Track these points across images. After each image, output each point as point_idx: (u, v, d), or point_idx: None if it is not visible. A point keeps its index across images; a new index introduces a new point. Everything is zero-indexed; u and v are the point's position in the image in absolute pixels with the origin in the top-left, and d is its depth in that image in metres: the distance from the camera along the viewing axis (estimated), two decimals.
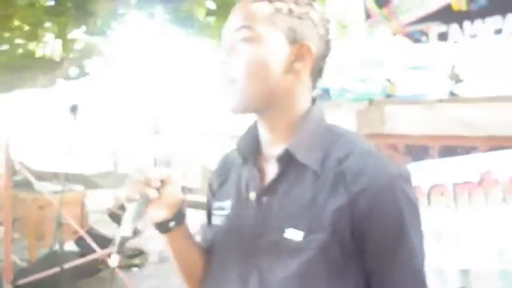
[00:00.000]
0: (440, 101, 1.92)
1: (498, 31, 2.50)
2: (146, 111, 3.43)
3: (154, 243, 4.63)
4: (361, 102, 2.03)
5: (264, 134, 1.03)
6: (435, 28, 2.76)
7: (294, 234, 0.91)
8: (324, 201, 0.91)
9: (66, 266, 3.58)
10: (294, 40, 0.96)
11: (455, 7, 2.65)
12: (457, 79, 1.93)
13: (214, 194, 1.13)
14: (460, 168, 1.86)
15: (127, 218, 0.90)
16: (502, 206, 1.80)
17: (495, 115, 1.82)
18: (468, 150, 1.92)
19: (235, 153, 1.07)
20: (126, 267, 4.46)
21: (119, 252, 0.92)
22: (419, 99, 1.95)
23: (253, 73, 0.95)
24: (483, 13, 2.57)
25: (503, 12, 2.51)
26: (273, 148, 1.01)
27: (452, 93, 1.96)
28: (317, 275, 0.90)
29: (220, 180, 1.12)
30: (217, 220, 1.07)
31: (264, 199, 0.98)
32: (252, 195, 1.00)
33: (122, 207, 5.03)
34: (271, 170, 1.00)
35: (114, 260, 0.93)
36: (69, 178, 4.58)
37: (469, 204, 1.85)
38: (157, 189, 0.93)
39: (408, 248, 0.91)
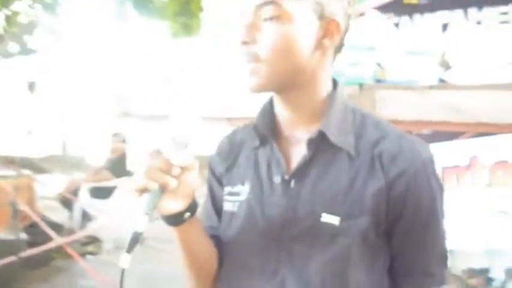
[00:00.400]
0: (430, 87, 1.97)
1: (445, 26, 2.60)
2: (109, 91, 3.26)
3: (109, 230, 4.47)
4: (351, 87, 2.03)
5: (284, 115, 0.97)
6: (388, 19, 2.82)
7: (329, 219, 0.89)
8: (363, 185, 0.89)
9: (20, 255, 3.36)
10: (322, 15, 0.92)
11: (406, 0, 2.72)
12: (446, 66, 1.98)
13: (219, 178, 1.06)
14: (450, 153, 1.93)
15: (138, 211, 0.81)
16: (488, 188, 1.89)
17: (483, 102, 1.90)
18: (455, 135, 1.99)
19: (245, 134, 1.02)
20: (80, 254, 4.26)
21: (130, 250, 0.82)
22: (409, 85, 1.99)
23: (282, 53, 0.89)
24: (431, 7, 2.66)
25: (450, 7, 2.61)
26: (295, 130, 0.96)
27: (441, 80, 2.01)
28: (353, 259, 0.88)
29: (227, 164, 1.04)
30: (229, 206, 0.99)
31: (292, 183, 0.94)
32: (278, 179, 0.95)
33: (75, 193, 4.79)
34: (297, 153, 0.95)
35: (125, 261, 0.82)
36: (15, 161, 4.29)
37: (457, 187, 1.92)
38: (176, 177, 0.83)
39: (437, 230, 0.93)
